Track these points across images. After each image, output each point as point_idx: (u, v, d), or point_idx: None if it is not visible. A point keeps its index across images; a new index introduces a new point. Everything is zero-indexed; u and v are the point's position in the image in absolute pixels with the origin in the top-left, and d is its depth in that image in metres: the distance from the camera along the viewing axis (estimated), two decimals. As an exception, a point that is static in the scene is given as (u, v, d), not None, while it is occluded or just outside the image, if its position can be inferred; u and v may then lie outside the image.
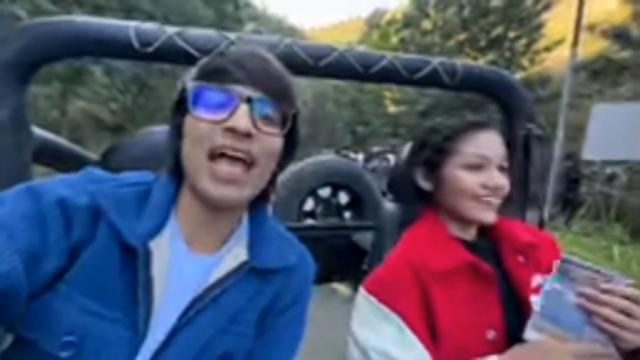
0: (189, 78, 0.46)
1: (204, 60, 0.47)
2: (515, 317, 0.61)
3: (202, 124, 0.43)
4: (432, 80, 0.90)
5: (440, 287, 0.61)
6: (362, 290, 0.65)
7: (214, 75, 0.44)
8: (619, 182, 5.95)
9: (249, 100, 0.43)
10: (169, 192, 0.48)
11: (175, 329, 0.42)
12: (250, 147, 0.43)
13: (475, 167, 0.65)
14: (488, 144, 0.66)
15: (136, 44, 0.66)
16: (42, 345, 0.38)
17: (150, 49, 0.67)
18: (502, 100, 0.98)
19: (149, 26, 0.68)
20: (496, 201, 0.65)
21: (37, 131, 0.72)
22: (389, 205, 0.95)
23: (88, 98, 8.99)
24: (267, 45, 0.75)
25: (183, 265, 0.45)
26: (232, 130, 0.42)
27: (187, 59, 0.71)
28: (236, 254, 0.49)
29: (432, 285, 0.61)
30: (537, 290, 0.61)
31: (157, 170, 0.52)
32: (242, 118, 0.42)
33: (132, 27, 0.66)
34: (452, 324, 0.59)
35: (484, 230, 0.70)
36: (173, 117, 0.48)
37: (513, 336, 0.60)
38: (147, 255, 0.42)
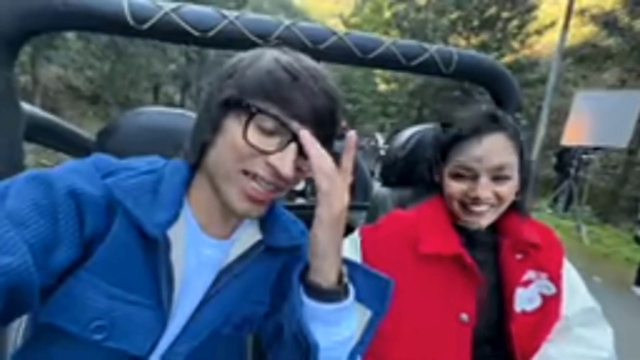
0: (247, 82, 0.42)
1: (264, 68, 0.42)
2: (495, 305, 0.67)
3: (248, 147, 0.42)
4: (428, 67, 0.90)
5: (418, 267, 0.66)
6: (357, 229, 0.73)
7: (278, 100, 0.42)
8: (592, 168, 6.23)
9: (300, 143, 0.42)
10: (181, 180, 0.47)
11: (202, 304, 0.47)
12: (285, 183, 0.45)
13: (460, 176, 0.66)
14: (479, 153, 0.63)
15: (130, 20, 0.63)
16: (73, 330, 0.40)
17: (145, 26, 0.64)
18: (494, 89, 1.00)
19: (144, 1, 0.65)
20: (481, 208, 0.64)
21: (28, 107, 0.70)
22: (383, 190, 0.98)
23: (62, 64, 8.37)
24: (267, 26, 0.73)
25: (200, 249, 0.48)
26: (273, 168, 0.43)
27: (185, 37, 0.69)
28: (251, 234, 0.52)
29: (413, 264, 0.66)
30: (526, 284, 0.67)
31: (155, 152, 0.51)
32: (288, 161, 0.42)
33: (125, 1, 0.63)
34: (419, 302, 0.64)
35: (495, 222, 0.70)
36: (213, 109, 0.44)
37: (487, 321, 0.66)
38: (167, 243, 0.44)
